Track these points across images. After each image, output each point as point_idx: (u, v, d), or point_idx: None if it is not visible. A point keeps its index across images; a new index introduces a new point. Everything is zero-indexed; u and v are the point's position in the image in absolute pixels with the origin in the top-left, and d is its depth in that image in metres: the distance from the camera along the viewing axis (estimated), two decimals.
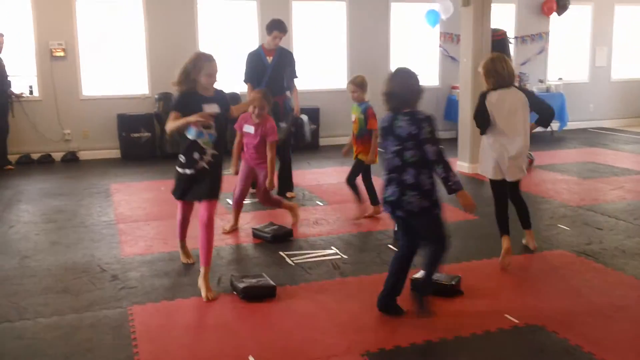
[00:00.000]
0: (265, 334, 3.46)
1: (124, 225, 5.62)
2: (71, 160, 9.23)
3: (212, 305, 3.84)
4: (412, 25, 10.90)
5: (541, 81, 11.53)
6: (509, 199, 4.64)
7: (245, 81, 6.59)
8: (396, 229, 3.76)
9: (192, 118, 3.80)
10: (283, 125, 6.49)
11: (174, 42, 9.54)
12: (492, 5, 7.86)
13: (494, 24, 8.09)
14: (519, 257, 4.68)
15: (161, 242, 5.10)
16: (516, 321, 3.54)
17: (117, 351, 3.27)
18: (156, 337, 3.42)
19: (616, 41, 12.36)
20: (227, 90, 4.64)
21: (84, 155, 9.38)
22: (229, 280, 4.11)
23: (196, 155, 3.98)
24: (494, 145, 4.47)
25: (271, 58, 6.54)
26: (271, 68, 6.50)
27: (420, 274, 3.99)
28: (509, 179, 4.54)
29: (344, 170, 6.09)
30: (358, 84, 5.56)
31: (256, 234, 5.18)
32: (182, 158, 4.06)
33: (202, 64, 3.95)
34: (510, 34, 10.81)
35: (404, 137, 3.43)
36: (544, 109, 4.52)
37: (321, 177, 7.68)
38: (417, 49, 10.97)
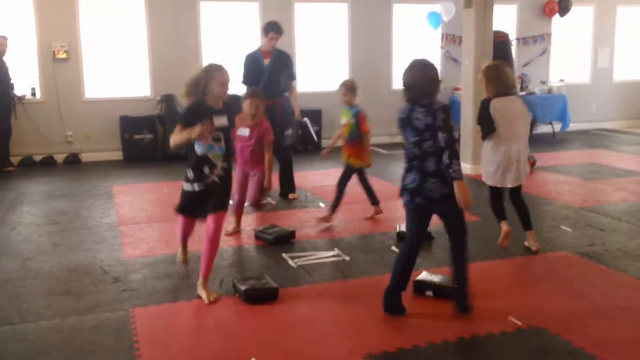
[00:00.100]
0: (267, 336, 3.46)
1: (126, 227, 5.62)
2: (73, 162, 9.24)
3: (214, 307, 3.84)
4: (414, 27, 10.90)
5: (543, 82, 11.51)
6: (511, 202, 4.77)
7: (243, 83, 6.60)
8: (406, 222, 3.73)
9: (194, 132, 3.68)
10: (289, 132, 6.51)
11: (176, 44, 9.55)
12: (494, 6, 7.86)
13: (496, 26, 8.08)
14: (522, 259, 4.67)
15: (163, 244, 5.10)
16: (519, 323, 3.53)
17: (119, 353, 3.27)
18: (158, 339, 3.42)
19: (618, 42, 12.34)
20: (228, 92, 4.61)
21: (86, 157, 9.38)
22: (231, 282, 4.10)
23: (207, 170, 3.85)
24: (498, 151, 4.53)
25: (268, 60, 6.54)
26: (268, 70, 6.50)
27: (422, 275, 4.00)
28: (512, 184, 4.62)
29: None
30: (349, 88, 5.53)
31: (258, 236, 5.18)
32: (190, 173, 3.90)
33: (213, 73, 3.84)
34: (512, 36, 10.82)
35: (421, 128, 3.47)
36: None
37: (324, 179, 7.67)
38: (419, 51, 10.95)
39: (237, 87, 7.50)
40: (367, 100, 10.59)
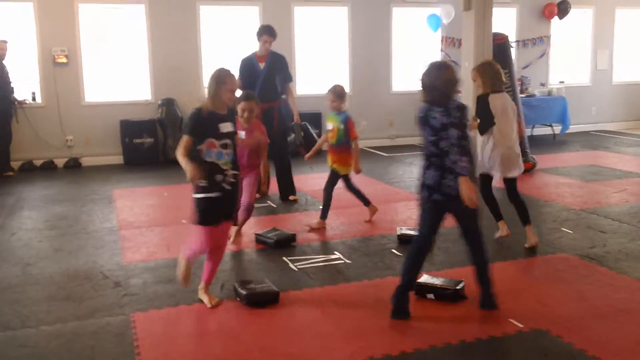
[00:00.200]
0: (268, 340, 3.45)
1: (127, 232, 5.62)
2: (74, 166, 9.24)
3: (215, 311, 3.83)
4: (413, 30, 10.91)
5: (543, 85, 11.53)
6: (509, 200, 4.91)
7: (239, 88, 6.60)
8: (418, 221, 3.71)
9: (187, 174, 3.61)
10: (291, 137, 6.51)
11: (177, 47, 9.57)
12: (494, 9, 7.86)
13: (496, 28, 8.09)
14: (523, 262, 4.67)
15: (164, 249, 5.10)
16: (521, 326, 3.52)
17: (120, 358, 3.26)
18: (159, 344, 3.41)
19: (617, 44, 12.36)
20: None
21: (86, 161, 9.39)
22: (232, 287, 4.10)
23: (219, 178, 3.78)
24: (489, 143, 4.67)
25: (263, 64, 6.54)
26: (264, 74, 6.50)
27: (423, 278, 3.99)
28: (511, 174, 4.79)
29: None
30: (337, 94, 5.50)
31: (259, 240, 5.18)
32: (202, 183, 3.74)
33: (224, 78, 3.78)
34: (512, 38, 10.82)
35: (438, 127, 3.48)
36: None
37: (324, 182, 7.63)
38: (419, 54, 10.97)
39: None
40: (366, 103, 10.75)
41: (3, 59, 8.53)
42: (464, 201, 3.46)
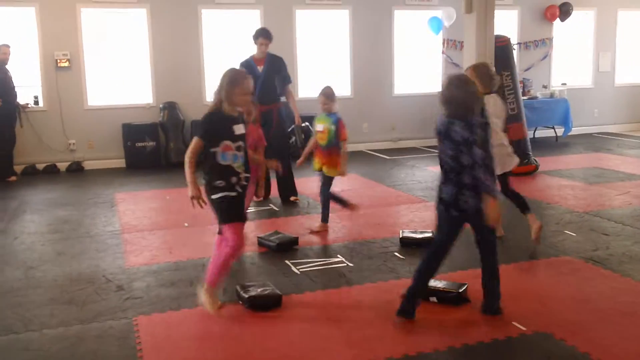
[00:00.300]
0: (271, 343, 3.45)
1: (129, 235, 5.62)
2: (76, 170, 9.26)
3: (217, 315, 3.82)
4: (415, 32, 10.92)
5: (545, 87, 11.52)
6: (504, 196, 4.94)
7: None
8: (435, 228, 3.72)
9: (189, 191, 3.63)
10: (293, 140, 6.50)
11: (179, 51, 9.59)
12: (495, 11, 7.86)
13: (497, 31, 8.09)
14: (525, 264, 4.67)
15: (166, 252, 5.10)
16: (524, 329, 3.51)
17: None
18: (162, 347, 3.41)
19: (620, 46, 12.35)
20: None
21: (89, 165, 9.40)
22: (235, 290, 4.09)
23: (234, 180, 3.76)
24: (494, 143, 4.73)
25: (261, 67, 6.55)
26: (262, 77, 6.51)
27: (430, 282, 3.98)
28: (507, 168, 4.90)
29: (348, 177, 6.08)
30: (328, 96, 5.47)
31: (261, 243, 5.18)
32: (220, 183, 3.71)
33: (239, 80, 3.72)
34: (514, 40, 10.82)
35: (458, 140, 3.45)
36: None
37: None
38: (421, 56, 10.98)
39: None
40: (368, 106, 10.75)
41: (6, 63, 8.55)
42: (486, 219, 3.45)
